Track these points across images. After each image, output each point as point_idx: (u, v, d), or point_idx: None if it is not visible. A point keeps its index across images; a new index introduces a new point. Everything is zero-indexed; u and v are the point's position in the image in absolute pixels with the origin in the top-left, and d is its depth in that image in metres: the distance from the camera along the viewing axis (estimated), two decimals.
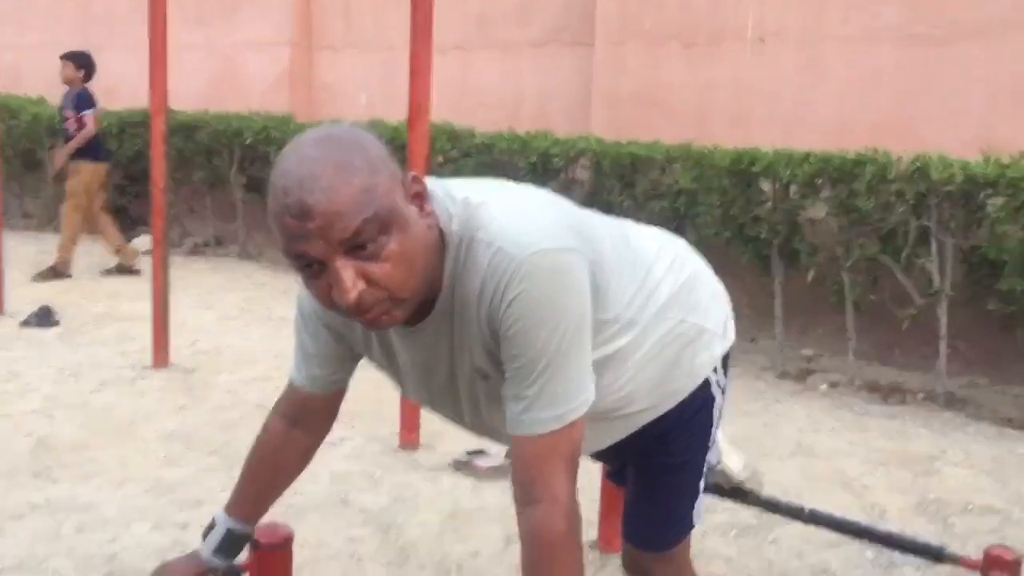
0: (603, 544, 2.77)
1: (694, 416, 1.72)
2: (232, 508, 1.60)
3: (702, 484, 1.83)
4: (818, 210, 4.79)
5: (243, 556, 1.69)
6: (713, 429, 1.79)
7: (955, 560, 2.26)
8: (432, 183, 1.35)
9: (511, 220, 1.31)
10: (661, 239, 1.75)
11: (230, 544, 1.59)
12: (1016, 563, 2.16)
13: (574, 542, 1.32)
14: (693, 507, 1.81)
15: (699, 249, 5.15)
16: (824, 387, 4.76)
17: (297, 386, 1.58)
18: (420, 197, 1.27)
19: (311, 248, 1.19)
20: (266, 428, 1.63)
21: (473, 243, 1.30)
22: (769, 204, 4.88)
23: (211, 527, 1.60)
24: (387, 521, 3.00)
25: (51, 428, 3.69)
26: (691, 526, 1.84)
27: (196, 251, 7.99)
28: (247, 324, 5.54)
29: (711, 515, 2.95)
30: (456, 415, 1.56)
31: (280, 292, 6.43)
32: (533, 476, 1.32)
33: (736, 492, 2.42)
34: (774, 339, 5.11)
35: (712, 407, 1.75)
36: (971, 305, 4.58)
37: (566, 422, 1.32)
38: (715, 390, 1.74)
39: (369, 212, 1.18)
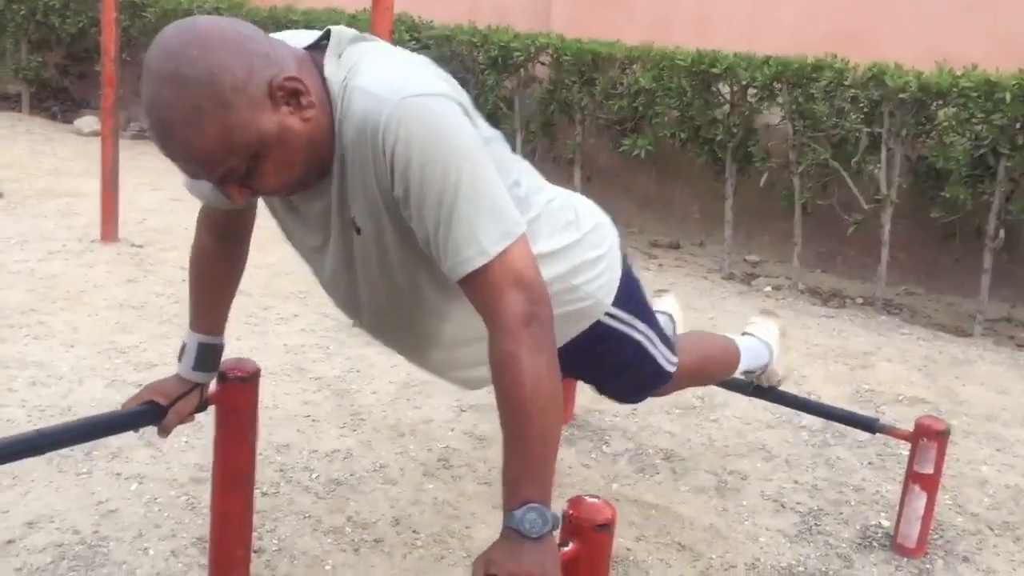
0: None
1: (604, 343, 1.77)
2: (195, 325, 1.65)
3: (657, 348, 1.90)
4: (774, 115, 4.84)
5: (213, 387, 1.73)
6: (638, 320, 1.84)
7: (888, 430, 2.39)
8: (333, 44, 1.34)
9: (386, 69, 1.31)
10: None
11: (205, 357, 1.63)
12: (944, 432, 2.29)
13: (536, 366, 1.28)
14: (659, 366, 1.91)
15: (655, 151, 5.31)
16: (768, 289, 4.89)
17: (206, 204, 1.62)
18: (295, 95, 1.25)
19: (189, 174, 1.26)
20: (195, 247, 1.68)
21: (350, 91, 1.30)
22: (727, 107, 4.92)
23: (183, 349, 1.64)
24: (341, 388, 3.04)
25: None
26: (667, 374, 1.93)
27: (141, 136, 7.79)
28: (196, 205, 5.45)
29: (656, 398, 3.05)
30: (332, 282, 1.55)
31: None
32: (484, 312, 1.31)
33: None
34: (722, 244, 5.21)
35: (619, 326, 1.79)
36: (913, 215, 4.72)
37: (492, 254, 1.28)
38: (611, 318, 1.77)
39: (229, 157, 1.22)
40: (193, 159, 1.22)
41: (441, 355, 1.63)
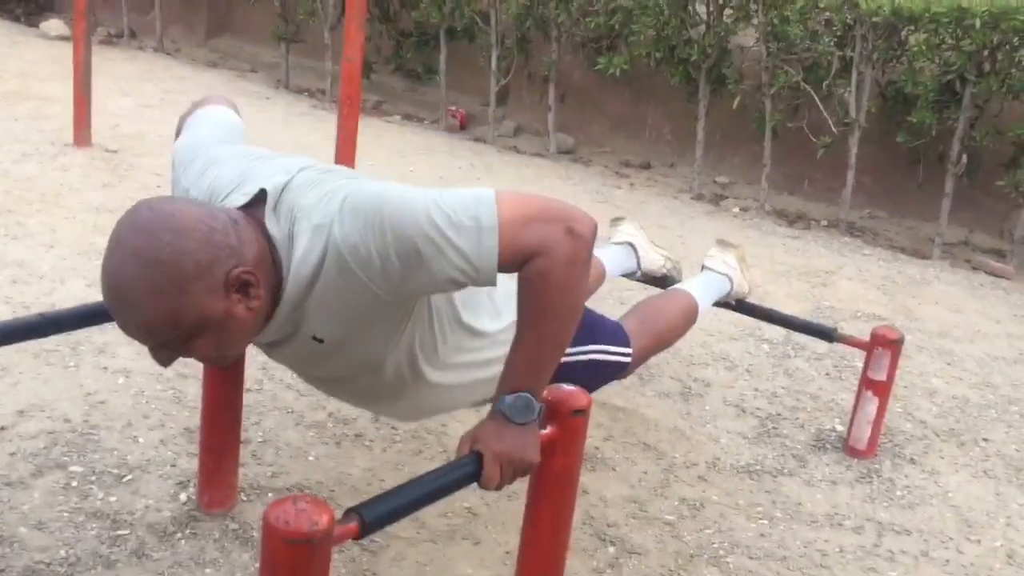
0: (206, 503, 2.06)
1: None
2: None
3: (609, 353, 1.96)
4: (748, 37, 4.88)
5: None
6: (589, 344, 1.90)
7: (844, 339, 2.51)
8: (270, 201, 1.38)
9: (314, 199, 1.37)
10: None
11: None
12: (898, 341, 2.42)
13: (567, 278, 1.35)
14: (615, 363, 1.98)
15: (630, 72, 5.38)
16: (736, 210, 4.99)
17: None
18: (247, 286, 1.32)
19: (124, 331, 1.32)
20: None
21: (297, 237, 1.36)
22: (703, 27, 4.94)
23: None
24: None
25: None
26: (624, 364, 2.00)
27: (109, 42, 7.63)
28: (169, 113, 5.41)
29: (626, 306, 3.15)
30: (309, 377, 1.67)
31: (202, 87, 6.27)
32: (524, 259, 1.36)
33: (661, 281, 2.64)
34: (692, 165, 5.29)
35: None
36: (880, 141, 4.82)
37: (494, 223, 1.33)
38: None
39: (171, 334, 1.29)
40: (138, 328, 1.30)
41: (407, 407, 1.73)
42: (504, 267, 1.36)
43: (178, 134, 1.73)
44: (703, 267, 2.57)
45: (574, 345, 1.84)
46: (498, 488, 1.38)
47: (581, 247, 1.36)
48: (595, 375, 1.93)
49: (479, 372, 1.69)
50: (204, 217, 1.30)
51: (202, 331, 1.31)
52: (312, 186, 1.40)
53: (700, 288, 2.44)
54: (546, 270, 1.34)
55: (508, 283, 1.52)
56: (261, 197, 1.39)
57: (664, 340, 2.26)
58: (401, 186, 1.39)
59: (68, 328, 1.72)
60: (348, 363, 1.53)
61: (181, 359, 1.38)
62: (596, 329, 1.94)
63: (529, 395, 1.39)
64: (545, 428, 1.44)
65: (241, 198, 1.40)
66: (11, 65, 6.17)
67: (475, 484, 1.36)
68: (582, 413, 1.46)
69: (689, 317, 2.34)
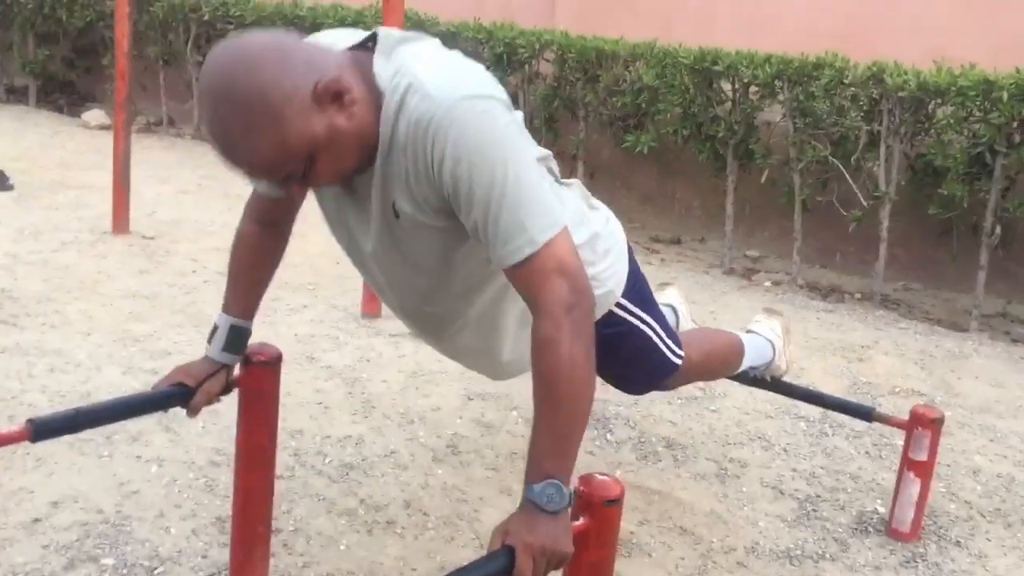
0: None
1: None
2: (228, 308, 1.73)
3: (663, 341, 1.98)
4: (775, 112, 4.92)
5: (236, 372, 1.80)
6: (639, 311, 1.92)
7: (884, 419, 2.47)
8: (382, 44, 1.42)
9: (438, 69, 1.40)
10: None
11: (235, 340, 1.71)
12: (939, 420, 2.37)
13: (574, 352, 1.36)
14: (666, 358, 1.99)
15: (657, 148, 5.42)
16: (768, 284, 4.96)
17: (258, 192, 1.72)
18: (338, 96, 1.34)
19: (249, 178, 1.39)
20: (239, 232, 1.77)
21: (403, 87, 1.38)
22: (728, 104, 4.99)
23: (214, 330, 1.72)
24: (352, 377, 3.12)
25: (14, 282, 3.71)
26: (673, 366, 2.01)
27: (148, 130, 7.86)
28: (205, 199, 5.54)
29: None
30: (370, 263, 1.64)
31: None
32: (529, 298, 1.40)
33: None
34: (723, 239, 5.29)
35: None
36: (911, 212, 4.79)
37: (540, 243, 1.36)
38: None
39: (288, 163, 1.33)
40: (256, 167, 1.34)
41: (468, 341, 1.71)
42: (510, 278, 1.40)
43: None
44: (748, 331, 2.55)
45: (635, 306, 1.88)
46: None
47: (584, 322, 1.37)
48: (645, 355, 1.94)
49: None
50: (272, 44, 1.33)
51: (314, 151, 1.33)
52: (432, 54, 1.42)
53: (747, 340, 2.43)
54: (555, 345, 1.35)
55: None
56: (371, 43, 1.44)
57: (711, 364, 2.27)
58: (516, 130, 1.40)
59: (109, 421, 1.73)
60: (415, 251, 1.53)
61: None
62: (657, 309, 1.97)
63: (558, 481, 1.37)
64: (578, 519, 1.42)
65: (353, 39, 1.46)
66: (53, 155, 6.36)
67: None
68: (615, 503, 1.44)
69: (736, 354, 2.35)
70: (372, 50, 1.43)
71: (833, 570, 2.29)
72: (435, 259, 1.55)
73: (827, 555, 2.35)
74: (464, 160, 1.34)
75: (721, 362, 2.33)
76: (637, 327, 1.90)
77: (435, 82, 1.37)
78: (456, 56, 1.47)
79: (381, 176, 1.45)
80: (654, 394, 3.14)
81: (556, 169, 1.70)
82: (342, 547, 2.19)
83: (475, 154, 1.34)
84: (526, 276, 1.39)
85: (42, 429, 1.50)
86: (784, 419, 3.14)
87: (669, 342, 1.99)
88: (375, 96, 1.40)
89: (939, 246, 4.90)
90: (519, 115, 1.46)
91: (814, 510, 2.56)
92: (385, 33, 1.44)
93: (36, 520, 2.14)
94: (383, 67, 1.41)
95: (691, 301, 4.32)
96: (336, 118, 1.34)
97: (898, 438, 2.86)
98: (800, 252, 4.99)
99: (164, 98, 7.81)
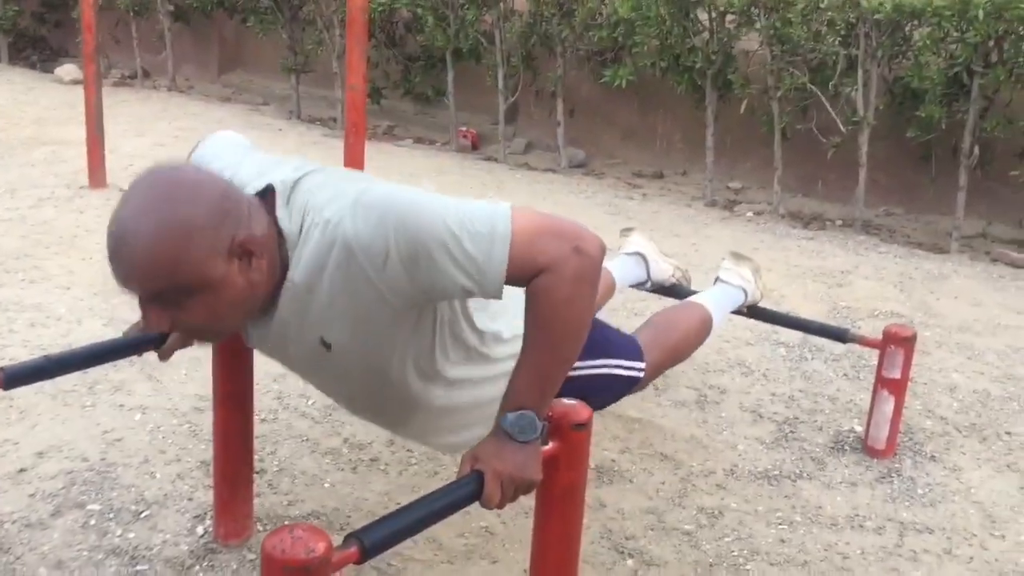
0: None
1: None
2: None
3: (622, 367, 1.95)
4: (752, 41, 4.88)
5: None
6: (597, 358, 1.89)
7: (857, 339, 2.49)
8: (280, 193, 1.42)
9: (328, 195, 1.40)
10: None
11: None
12: (911, 338, 2.40)
13: (573, 295, 1.36)
14: (628, 378, 1.96)
15: (636, 82, 5.36)
16: (750, 214, 4.97)
17: None
18: (248, 255, 1.34)
19: (122, 285, 1.33)
20: None
21: (308, 230, 1.38)
22: (706, 34, 4.94)
23: None
24: None
25: None
26: (636, 379, 1.98)
27: (123, 83, 7.76)
28: (183, 151, 5.46)
29: (639, 318, 3.15)
30: (302, 376, 1.68)
31: (215, 122, 6.34)
32: (531, 274, 1.37)
33: (671, 290, 2.65)
34: (704, 171, 5.28)
35: None
36: (891, 137, 4.79)
37: (507, 233, 1.34)
38: None
39: (167, 282, 1.29)
40: (136, 270, 1.29)
41: (423, 427, 1.72)
42: (512, 279, 1.37)
43: None
44: (717, 279, 2.56)
45: (585, 359, 1.83)
46: (500, 507, 1.38)
47: (588, 265, 1.36)
48: (607, 390, 1.93)
49: (490, 389, 1.69)
50: (222, 184, 1.34)
51: (198, 289, 1.31)
52: (325, 184, 1.42)
53: (714, 301, 2.43)
54: (552, 286, 1.35)
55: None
56: (273, 190, 1.43)
57: (678, 354, 2.26)
58: (416, 190, 1.40)
59: (80, 367, 1.75)
60: (356, 371, 1.53)
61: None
62: (608, 343, 1.94)
63: (532, 413, 1.39)
64: (547, 444, 1.44)
65: (252, 190, 1.43)
66: (28, 111, 6.28)
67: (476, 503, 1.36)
68: (583, 427, 1.46)
69: (703, 330, 2.34)
70: (270, 199, 1.42)
71: (810, 488, 2.34)
72: (373, 378, 1.54)
73: (804, 474, 2.40)
74: (400, 248, 1.32)
75: (688, 345, 2.29)
76: (591, 375, 1.85)
77: (329, 208, 1.37)
78: (340, 174, 1.48)
79: (298, 319, 1.44)
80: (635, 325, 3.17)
81: None
82: (326, 485, 2.22)
83: (404, 236, 1.32)
84: (519, 265, 1.35)
85: (14, 377, 1.51)
86: (764, 345, 3.17)
87: (627, 363, 1.95)
88: (280, 248, 1.39)
89: (919, 170, 4.90)
90: None
91: (792, 432, 2.61)
92: (280, 183, 1.42)
93: (21, 470, 2.17)
94: (285, 216, 1.40)
95: (673, 235, 4.35)
96: (235, 275, 1.33)
97: (876, 359, 2.89)
98: (781, 182, 4.99)
99: (138, 50, 7.71)
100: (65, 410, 2.44)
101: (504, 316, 1.64)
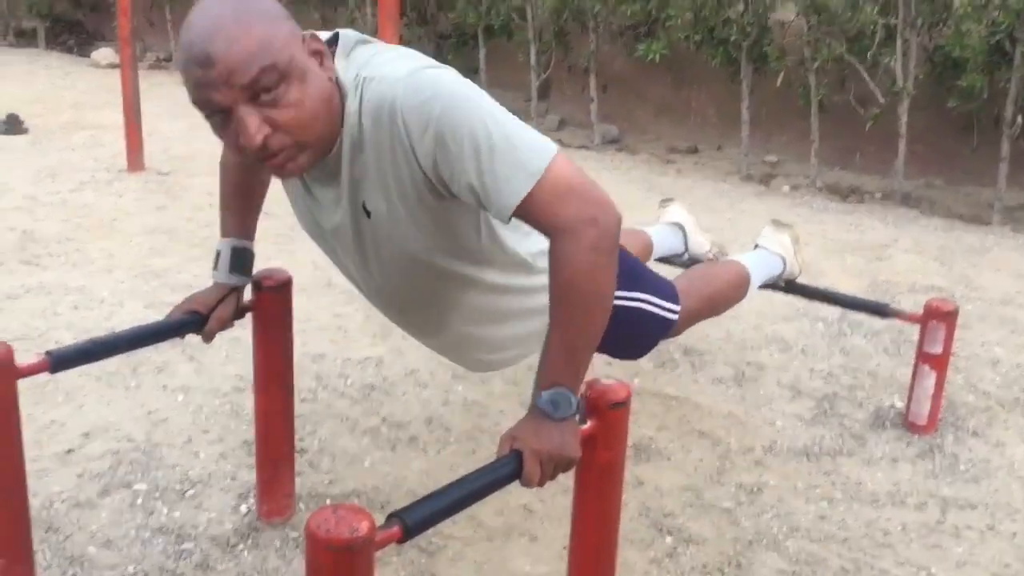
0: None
1: None
2: (227, 231, 1.77)
3: (655, 305, 1.94)
4: (788, 11, 4.80)
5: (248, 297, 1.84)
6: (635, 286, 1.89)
7: (898, 314, 2.47)
8: (342, 45, 1.43)
9: (392, 60, 1.40)
10: None
11: (239, 260, 1.75)
12: (953, 313, 2.37)
13: (595, 264, 1.35)
14: (661, 319, 1.95)
15: (670, 56, 5.28)
16: (786, 188, 4.91)
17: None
18: (319, 54, 1.35)
19: (216, 95, 1.28)
20: (223, 161, 1.77)
21: (362, 84, 1.38)
22: (740, 5, 4.87)
23: (217, 256, 1.75)
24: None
25: (34, 223, 3.76)
26: (670, 323, 1.97)
27: (158, 66, 7.83)
28: None
29: None
30: (345, 262, 1.66)
31: None
32: (548, 228, 1.36)
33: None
34: (739, 146, 5.23)
35: None
36: (931, 107, 4.70)
37: (539, 172, 1.33)
38: None
39: (268, 60, 1.27)
40: (233, 53, 1.26)
41: (455, 334, 1.71)
42: (524, 218, 1.36)
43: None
44: (756, 246, 2.54)
45: (621, 289, 1.83)
46: (540, 485, 1.38)
47: (604, 236, 1.35)
48: (641, 327, 1.92)
49: (525, 301, 1.68)
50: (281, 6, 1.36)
51: (290, 72, 1.30)
52: (389, 50, 1.43)
53: (752, 262, 2.42)
54: (570, 257, 1.34)
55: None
56: (336, 40, 1.44)
57: (713, 305, 2.25)
58: (474, 87, 1.39)
59: (124, 350, 1.77)
60: (394, 250, 1.52)
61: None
62: (645, 279, 1.95)
63: (566, 389, 1.39)
64: (585, 423, 1.44)
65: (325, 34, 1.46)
66: (66, 96, 6.37)
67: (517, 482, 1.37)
68: (622, 405, 1.46)
69: (740, 287, 2.33)
70: (333, 50, 1.43)
71: (850, 464, 2.32)
72: (407, 259, 1.53)
73: (844, 450, 2.38)
74: (439, 125, 1.32)
75: (724, 299, 2.29)
76: (625, 307, 1.84)
77: (388, 67, 1.38)
78: (408, 50, 1.46)
79: (348, 179, 1.45)
80: None
81: None
82: (366, 464, 2.24)
83: (447, 116, 1.32)
84: (537, 208, 1.34)
85: (60, 360, 1.54)
86: (802, 321, 3.15)
87: (662, 302, 1.94)
88: (339, 92, 1.40)
89: (960, 140, 4.82)
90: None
91: (831, 408, 2.59)
92: (344, 34, 1.45)
93: (69, 451, 2.21)
94: (343, 67, 1.41)
95: (710, 211, 4.31)
96: (315, 67, 1.35)
97: (917, 334, 2.86)
98: (818, 154, 4.92)
99: (172, 33, 7.76)
100: (110, 391, 2.48)
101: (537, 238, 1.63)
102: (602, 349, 1.93)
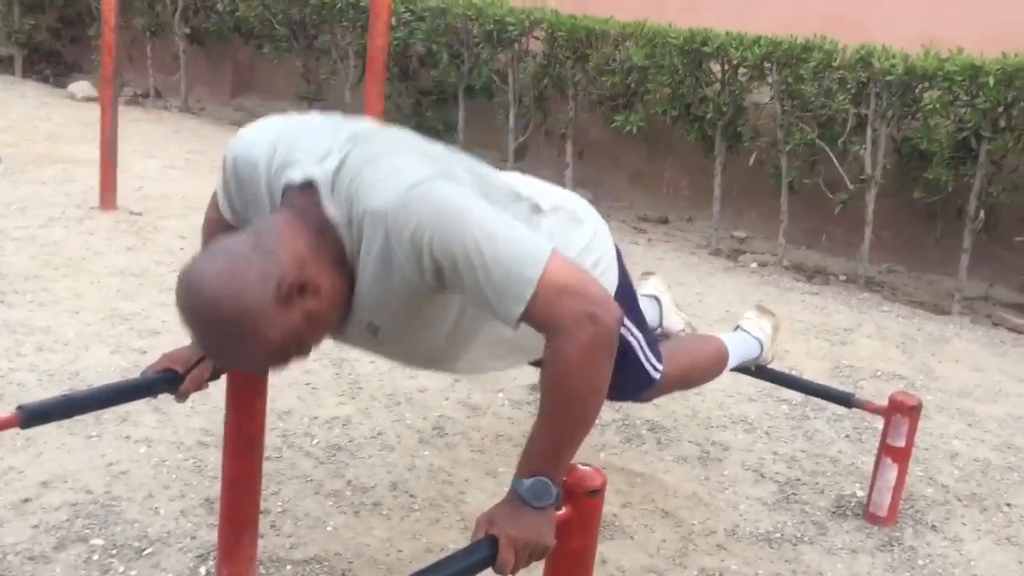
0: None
1: None
2: None
3: (645, 354, 1.98)
4: (763, 94, 4.93)
5: None
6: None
7: (862, 405, 2.51)
8: (323, 185, 1.43)
9: (378, 177, 1.40)
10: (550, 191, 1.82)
11: None
12: (917, 408, 2.41)
13: (589, 362, 1.36)
14: (645, 371, 1.99)
15: (646, 128, 5.38)
16: (754, 265, 5.00)
17: (220, 205, 1.70)
18: (303, 287, 1.37)
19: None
20: (207, 216, 1.77)
21: (358, 220, 1.41)
22: (717, 85, 5.00)
23: None
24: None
25: (1, 258, 3.71)
26: (652, 380, 2.01)
27: (135, 102, 7.81)
28: (192, 174, 5.53)
29: None
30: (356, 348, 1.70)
31: (226, 146, 6.38)
32: (548, 331, 1.38)
33: None
34: (710, 219, 5.31)
35: None
36: (897, 196, 4.83)
37: (536, 279, 1.34)
38: None
39: (282, 356, 1.40)
40: (208, 348, 1.42)
41: (470, 362, 1.74)
42: (526, 320, 1.38)
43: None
44: (737, 327, 2.58)
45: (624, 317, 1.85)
46: (513, 572, 1.38)
47: (603, 335, 1.36)
48: (625, 372, 1.89)
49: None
50: (224, 266, 1.35)
51: (298, 337, 1.39)
52: (368, 162, 1.42)
53: (733, 343, 2.45)
54: (565, 353, 1.35)
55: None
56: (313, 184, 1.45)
57: (692, 377, 2.28)
58: (467, 195, 1.41)
59: (98, 408, 1.75)
60: (406, 345, 1.58)
61: None
62: (642, 320, 1.98)
63: (547, 479, 1.40)
64: (560, 509, 1.45)
65: (298, 174, 1.45)
66: (40, 127, 6.32)
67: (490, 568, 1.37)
68: (597, 494, 1.47)
69: (718, 364, 2.36)
70: (312, 190, 1.44)
71: (811, 553, 2.34)
72: (420, 344, 1.60)
73: (806, 538, 2.40)
74: (432, 253, 1.36)
75: (702, 373, 2.33)
76: (622, 337, 1.89)
77: (375, 196, 1.39)
78: (389, 146, 1.47)
79: (354, 305, 1.49)
80: None
81: (529, 190, 1.70)
82: (329, 528, 2.22)
83: (439, 242, 1.35)
84: (537, 314, 1.36)
85: (31, 416, 1.52)
86: (767, 402, 3.19)
87: (651, 355, 1.98)
88: (335, 243, 1.42)
89: (925, 229, 4.94)
90: (466, 167, 1.51)
91: (794, 493, 2.61)
92: (320, 175, 1.43)
93: (26, 500, 2.16)
94: (332, 206, 1.42)
95: (677, 283, 4.37)
96: (308, 304, 1.38)
97: (878, 422, 2.90)
98: (786, 233, 5.02)
99: (151, 70, 7.76)
100: (71, 439, 2.44)
101: None
102: None
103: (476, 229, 1.35)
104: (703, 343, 2.40)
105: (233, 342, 1.35)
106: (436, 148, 1.56)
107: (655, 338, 2.05)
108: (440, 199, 1.37)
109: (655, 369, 2.00)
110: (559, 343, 1.36)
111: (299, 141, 1.50)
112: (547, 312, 1.35)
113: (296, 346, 1.40)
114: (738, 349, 2.44)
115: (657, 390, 2.07)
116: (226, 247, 1.38)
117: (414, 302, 1.47)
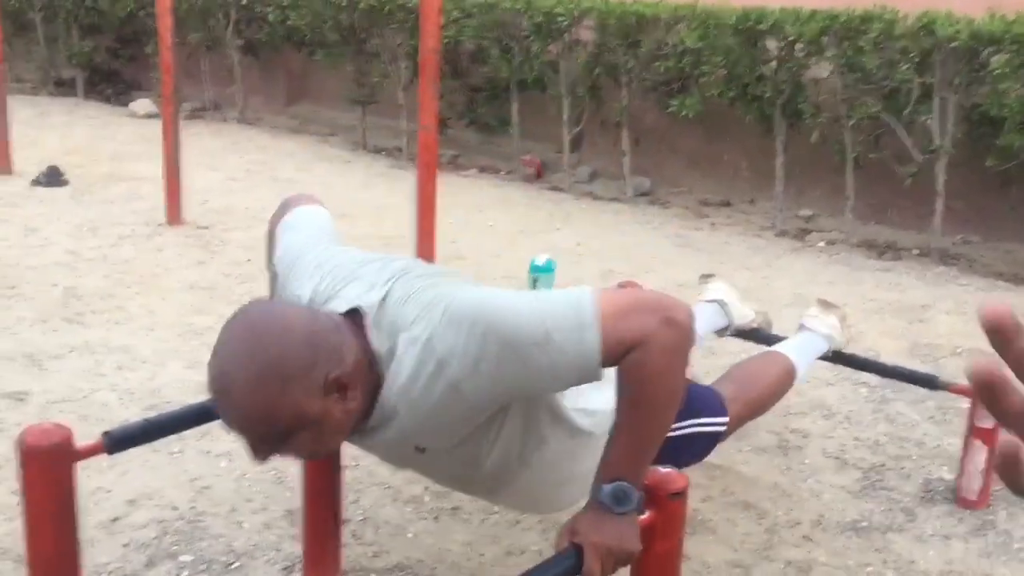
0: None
1: None
2: None
3: (707, 425, 1.95)
4: (822, 69, 4.82)
5: None
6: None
7: (948, 387, 2.43)
8: (371, 316, 1.42)
9: (416, 312, 1.39)
10: None
11: None
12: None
13: (666, 366, 1.36)
14: (712, 434, 1.97)
15: (703, 111, 5.26)
16: (822, 244, 4.89)
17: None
18: (344, 390, 1.36)
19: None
20: (271, 232, 1.81)
21: (402, 350, 1.39)
22: (774, 63, 4.90)
23: None
24: None
25: (77, 279, 3.80)
26: (721, 435, 1.99)
27: (194, 116, 7.94)
28: (255, 185, 5.60)
29: (719, 358, 3.11)
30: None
31: (285, 155, 6.47)
32: (625, 352, 1.36)
33: (752, 334, 2.62)
34: (772, 200, 5.22)
35: None
36: (968, 164, 4.68)
37: (595, 325, 1.33)
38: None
39: (269, 429, 1.34)
40: (238, 421, 1.35)
41: (511, 498, 1.75)
42: (607, 362, 1.36)
43: (270, 236, 1.79)
44: (801, 326, 2.52)
45: (681, 420, 1.82)
46: None
47: (678, 336, 1.35)
48: (691, 449, 1.91)
49: (583, 461, 1.66)
50: (308, 320, 1.36)
51: (299, 429, 1.35)
52: (410, 298, 1.42)
53: (797, 350, 2.39)
54: (642, 361, 1.35)
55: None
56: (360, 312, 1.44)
57: (761, 406, 2.23)
58: (498, 291, 1.43)
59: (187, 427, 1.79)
60: (450, 467, 1.57)
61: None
62: (692, 402, 1.92)
63: (628, 484, 1.38)
64: (643, 513, 1.43)
65: (343, 305, 1.44)
66: (105, 147, 6.47)
67: None
68: (680, 496, 1.45)
69: (787, 382, 2.31)
70: (358, 319, 1.43)
71: (901, 541, 2.28)
72: (466, 469, 1.58)
73: (894, 526, 2.34)
74: (488, 353, 1.33)
75: (771, 397, 2.27)
76: (676, 436, 1.80)
77: (418, 323, 1.38)
78: (427, 283, 1.45)
79: (397, 431, 1.45)
80: (717, 365, 3.13)
81: None
82: (410, 535, 2.23)
83: (492, 340, 1.33)
84: (611, 349, 1.35)
85: (116, 442, 1.55)
86: (845, 385, 3.12)
87: (710, 420, 1.95)
88: (373, 367, 1.40)
89: (998, 197, 4.79)
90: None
91: (879, 479, 2.55)
92: (368, 305, 1.43)
93: (115, 519, 2.21)
94: (378, 339, 1.41)
95: (744, 267, 4.30)
96: (333, 407, 1.36)
97: (964, 400, 2.82)
98: (853, 210, 4.91)
99: (208, 83, 7.89)
100: (154, 456, 2.49)
101: (587, 392, 1.63)
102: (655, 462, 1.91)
103: (520, 311, 1.36)
104: (767, 365, 2.32)
105: (259, 372, 1.31)
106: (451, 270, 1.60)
107: (708, 398, 1.99)
108: (474, 303, 1.37)
109: (720, 425, 1.97)
110: (636, 354, 1.35)
111: (340, 272, 1.52)
112: (619, 340, 1.35)
113: (286, 430, 1.34)
114: (805, 356, 2.39)
115: (728, 433, 2.05)
116: (295, 312, 1.39)
117: (467, 423, 1.45)
